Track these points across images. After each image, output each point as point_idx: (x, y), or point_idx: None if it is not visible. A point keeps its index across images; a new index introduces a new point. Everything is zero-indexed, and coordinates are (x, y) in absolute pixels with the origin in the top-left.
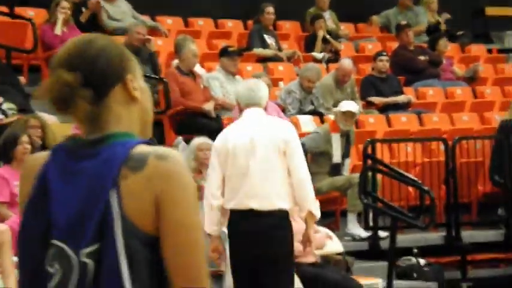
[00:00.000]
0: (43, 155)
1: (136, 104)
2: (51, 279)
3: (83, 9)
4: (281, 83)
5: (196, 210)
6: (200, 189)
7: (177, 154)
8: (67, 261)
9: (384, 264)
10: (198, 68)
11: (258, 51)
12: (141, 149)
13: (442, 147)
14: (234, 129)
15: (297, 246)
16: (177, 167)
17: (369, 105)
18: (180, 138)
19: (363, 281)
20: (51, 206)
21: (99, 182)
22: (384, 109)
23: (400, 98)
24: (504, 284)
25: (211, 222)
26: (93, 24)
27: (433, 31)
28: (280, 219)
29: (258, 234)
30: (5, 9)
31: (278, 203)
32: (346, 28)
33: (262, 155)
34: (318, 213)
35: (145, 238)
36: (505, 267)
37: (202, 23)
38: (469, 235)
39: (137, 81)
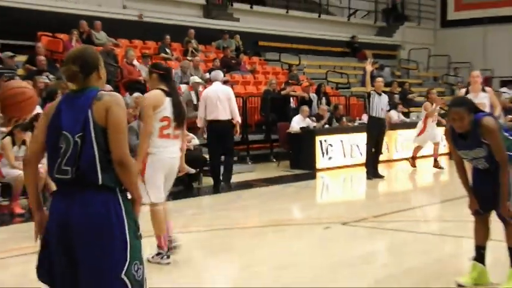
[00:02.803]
0: (58, 100)
1: (101, 80)
2: (61, 150)
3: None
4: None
5: (124, 117)
6: (135, 116)
7: (117, 94)
8: (68, 140)
9: None
10: (135, 62)
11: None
12: (102, 92)
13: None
14: (210, 89)
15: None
16: (117, 99)
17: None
18: (127, 93)
19: None
20: (62, 118)
21: (83, 106)
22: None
23: (224, 78)
24: None
25: (201, 125)
26: (90, 41)
27: (237, 50)
28: (229, 122)
29: (222, 127)
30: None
31: (227, 116)
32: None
33: (221, 100)
34: (239, 120)
35: (102, 128)
36: None
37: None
38: None
39: (102, 70)
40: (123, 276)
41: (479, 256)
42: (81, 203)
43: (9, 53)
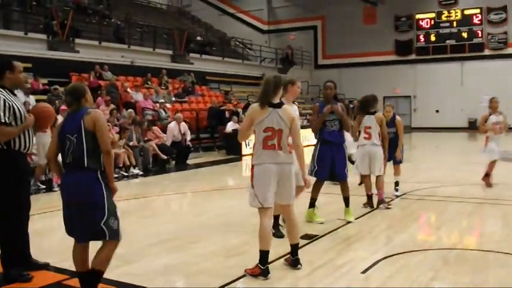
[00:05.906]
0: (65, 117)
1: (88, 102)
2: (66, 146)
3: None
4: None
5: (106, 125)
6: (129, 123)
7: (99, 111)
8: (69, 140)
9: None
10: (129, 90)
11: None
12: (89, 109)
13: None
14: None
15: None
16: (99, 114)
17: None
18: (124, 109)
19: None
20: (64, 126)
21: (77, 119)
22: None
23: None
24: None
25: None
26: (101, 77)
27: (193, 82)
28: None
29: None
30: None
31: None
32: None
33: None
34: None
35: (91, 132)
36: None
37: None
38: None
39: (88, 95)
40: (102, 225)
41: (312, 203)
42: (76, 177)
43: (56, 86)
